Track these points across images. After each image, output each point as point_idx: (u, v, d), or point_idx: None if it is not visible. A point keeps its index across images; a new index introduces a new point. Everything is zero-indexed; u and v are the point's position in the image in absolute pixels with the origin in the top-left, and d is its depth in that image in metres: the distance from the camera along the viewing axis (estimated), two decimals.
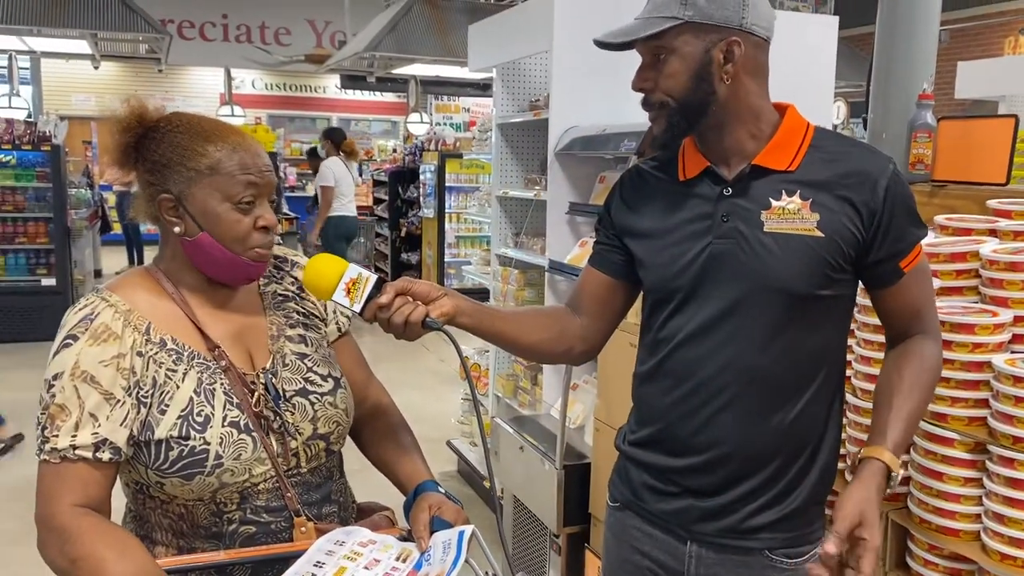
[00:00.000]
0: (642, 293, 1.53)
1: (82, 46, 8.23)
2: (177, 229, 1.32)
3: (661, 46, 1.34)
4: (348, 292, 1.29)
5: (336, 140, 7.92)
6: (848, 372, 1.88)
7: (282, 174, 11.81)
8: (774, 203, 1.34)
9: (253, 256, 1.34)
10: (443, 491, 1.39)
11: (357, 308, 1.30)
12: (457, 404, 4.82)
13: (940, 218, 2.09)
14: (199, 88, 13.47)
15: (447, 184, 7.80)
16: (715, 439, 1.40)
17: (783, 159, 1.37)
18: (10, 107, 7.87)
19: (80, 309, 1.29)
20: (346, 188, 7.76)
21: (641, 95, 1.40)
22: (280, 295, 1.47)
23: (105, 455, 1.23)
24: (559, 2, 3.26)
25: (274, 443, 1.33)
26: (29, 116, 7.84)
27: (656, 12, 1.34)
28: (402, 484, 1.45)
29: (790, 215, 1.33)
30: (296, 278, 1.50)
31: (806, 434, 1.42)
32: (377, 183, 10.16)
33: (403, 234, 9.01)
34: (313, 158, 8.93)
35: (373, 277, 1.30)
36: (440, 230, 7.83)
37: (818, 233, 1.32)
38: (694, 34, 1.32)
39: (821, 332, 1.39)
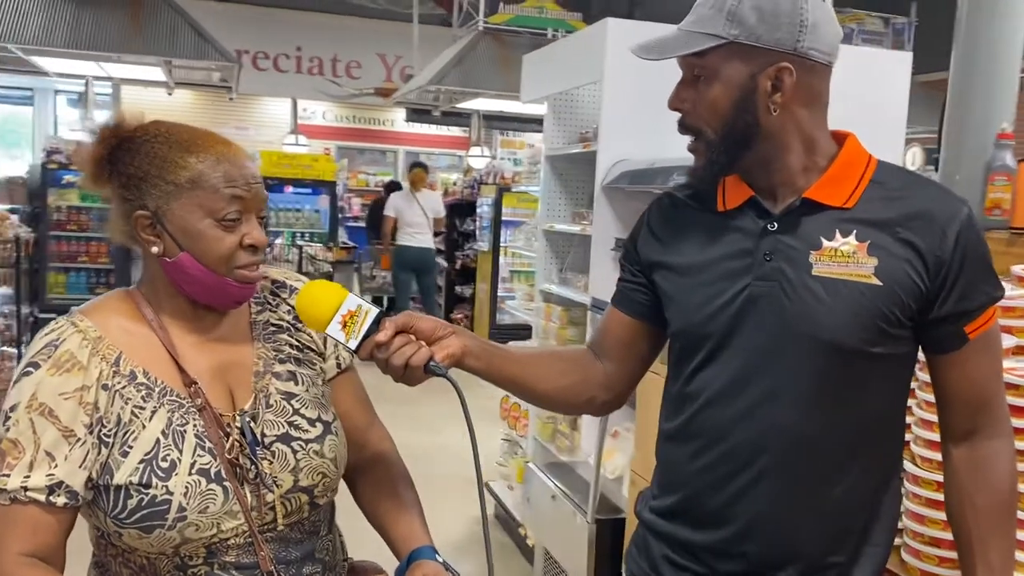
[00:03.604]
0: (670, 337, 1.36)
1: (156, 73, 8.43)
2: (155, 249, 1.20)
3: (701, 66, 1.18)
4: (344, 325, 1.15)
5: (408, 172, 8.41)
6: (907, 436, 1.67)
7: (344, 204, 11.94)
8: (826, 243, 1.17)
9: (239, 277, 1.21)
10: (441, 559, 1.24)
11: (352, 344, 1.15)
12: (499, 444, 4.65)
13: (1018, 268, 1.87)
14: (270, 117, 13.74)
15: (504, 218, 7.70)
16: (747, 513, 1.21)
17: (839, 194, 1.19)
18: (83, 129, 8.09)
19: (47, 334, 1.17)
20: (407, 220, 8.06)
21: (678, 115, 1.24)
22: (273, 325, 1.33)
23: (60, 499, 1.10)
24: (611, 31, 3.14)
25: (248, 495, 1.18)
26: None
27: (699, 26, 1.17)
28: (395, 546, 1.30)
29: (843, 258, 1.15)
30: (293, 306, 1.35)
31: (856, 512, 1.22)
32: None
33: (458, 267, 8.95)
34: (392, 191, 9.49)
35: (374, 310, 1.16)
36: (494, 264, 7.73)
37: (875, 280, 1.14)
38: (740, 57, 1.15)
39: (875, 394, 1.20)
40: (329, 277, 6.29)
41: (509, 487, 4.25)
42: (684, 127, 1.24)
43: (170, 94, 9.99)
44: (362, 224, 12.58)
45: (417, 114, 11.14)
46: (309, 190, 7.56)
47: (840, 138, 1.25)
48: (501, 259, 7.70)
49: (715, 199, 1.28)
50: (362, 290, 8.90)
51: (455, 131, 14.17)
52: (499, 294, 7.62)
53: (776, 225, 1.21)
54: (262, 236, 1.24)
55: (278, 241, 5.89)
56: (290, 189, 7.55)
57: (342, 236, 9.55)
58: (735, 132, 1.18)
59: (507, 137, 12.41)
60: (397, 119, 14.59)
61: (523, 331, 6.42)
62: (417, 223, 8.09)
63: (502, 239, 7.73)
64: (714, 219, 1.27)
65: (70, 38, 7.38)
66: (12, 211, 6.12)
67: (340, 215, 10.45)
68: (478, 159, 9.91)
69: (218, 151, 1.21)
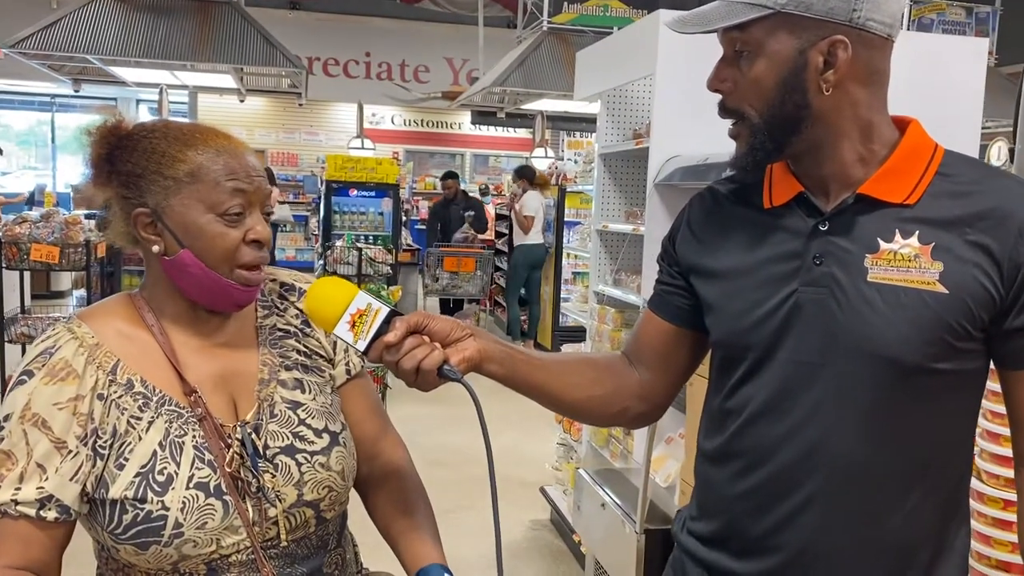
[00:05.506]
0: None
1: (227, 80, 8.63)
2: (156, 248, 1.16)
3: (744, 41, 1.06)
4: (353, 325, 1.08)
5: (529, 177, 8.47)
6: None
7: (411, 206, 12.02)
8: (883, 245, 1.05)
9: (241, 279, 1.16)
10: None
11: (361, 346, 1.08)
12: (554, 448, 4.57)
13: None
14: (340, 122, 13.97)
15: (566, 219, 7.60)
16: (793, 543, 1.10)
17: (899, 189, 1.06)
18: None
19: (43, 341, 1.14)
20: (539, 220, 8.30)
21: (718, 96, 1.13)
22: (280, 330, 1.28)
23: (50, 514, 1.07)
24: (664, 22, 3.03)
25: (250, 509, 1.13)
26: None
27: None
28: (405, 564, 1.24)
29: (904, 262, 1.04)
30: (301, 310, 1.30)
31: (919, 545, 1.09)
32: (500, 217, 10.14)
33: None
34: (447, 179, 9.63)
35: (384, 309, 1.09)
36: (557, 266, 7.63)
37: (940, 288, 1.02)
38: (788, 29, 1.03)
39: (940, 414, 1.07)
40: (390, 279, 6.28)
41: (564, 492, 4.17)
42: (725, 110, 1.13)
43: (242, 101, 10.24)
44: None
45: (482, 116, 11.15)
46: (373, 193, 7.58)
47: (902, 124, 1.12)
48: (564, 260, 7.60)
49: (761, 194, 1.17)
50: (425, 292, 8.90)
51: (521, 133, 14.16)
52: (562, 296, 7.52)
53: (827, 224, 1.09)
54: (266, 231, 1.18)
55: (339, 243, 5.92)
56: (355, 192, 7.60)
57: (408, 238, 9.58)
58: (782, 114, 1.07)
59: (574, 138, 12.34)
60: (464, 122, 14.67)
61: (571, 334, 6.32)
62: (541, 223, 8.37)
63: (564, 240, 7.64)
64: (759, 217, 1.16)
65: (144, 48, 7.59)
66: (89, 216, 6.31)
67: (406, 217, 10.51)
68: (541, 160, 9.85)
69: (217, 144, 1.16)
